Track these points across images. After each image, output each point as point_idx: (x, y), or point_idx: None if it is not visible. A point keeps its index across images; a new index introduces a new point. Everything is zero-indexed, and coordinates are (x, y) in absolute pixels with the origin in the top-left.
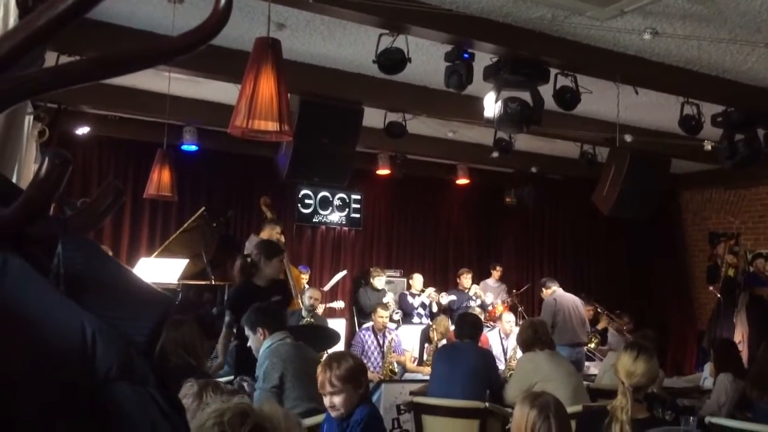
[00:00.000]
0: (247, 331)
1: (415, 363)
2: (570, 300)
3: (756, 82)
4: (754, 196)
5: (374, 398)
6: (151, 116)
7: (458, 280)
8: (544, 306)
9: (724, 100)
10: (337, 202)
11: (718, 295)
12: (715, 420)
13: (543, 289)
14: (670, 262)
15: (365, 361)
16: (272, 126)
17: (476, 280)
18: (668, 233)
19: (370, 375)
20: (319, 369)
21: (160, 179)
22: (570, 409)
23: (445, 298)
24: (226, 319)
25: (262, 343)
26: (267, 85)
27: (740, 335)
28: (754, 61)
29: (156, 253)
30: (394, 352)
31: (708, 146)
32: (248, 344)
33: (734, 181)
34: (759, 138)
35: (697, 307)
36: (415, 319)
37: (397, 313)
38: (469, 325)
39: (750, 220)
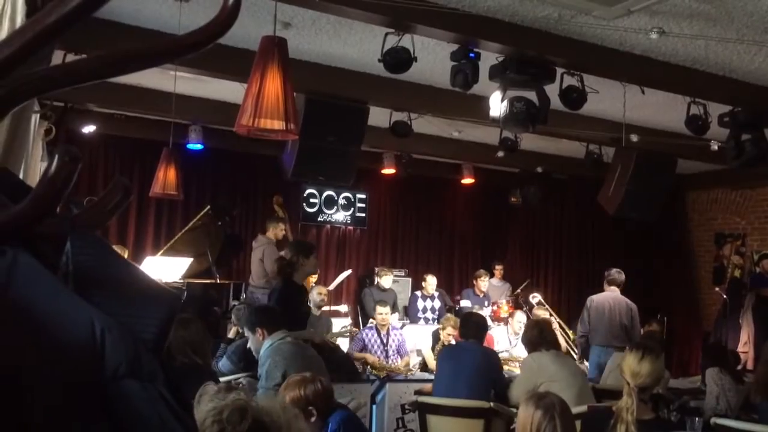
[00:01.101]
0: (247, 332)
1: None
2: (609, 302)
3: (763, 82)
4: (760, 197)
5: (379, 397)
6: (156, 115)
7: (474, 282)
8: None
9: (731, 100)
10: (342, 201)
11: (724, 296)
12: (720, 421)
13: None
14: (676, 263)
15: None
16: (278, 125)
17: None
18: (674, 234)
19: (371, 361)
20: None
21: (166, 178)
22: (575, 410)
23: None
24: None
25: (261, 344)
26: (273, 84)
27: (746, 336)
28: (761, 61)
29: (161, 251)
30: (398, 352)
31: (714, 146)
32: (248, 345)
33: (741, 182)
34: (766, 138)
35: (702, 308)
36: (422, 321)
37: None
38: (474, 325)
39: (756, 221)
